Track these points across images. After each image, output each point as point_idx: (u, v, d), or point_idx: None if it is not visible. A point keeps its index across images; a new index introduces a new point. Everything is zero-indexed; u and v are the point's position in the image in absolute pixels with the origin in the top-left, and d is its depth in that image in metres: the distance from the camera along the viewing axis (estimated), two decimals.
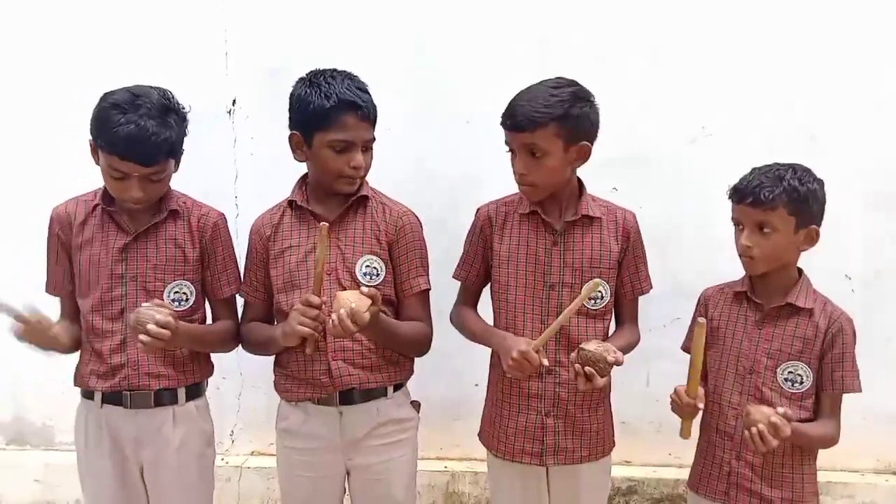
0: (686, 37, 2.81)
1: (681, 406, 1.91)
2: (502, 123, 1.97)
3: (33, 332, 1.92)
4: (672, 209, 2.82)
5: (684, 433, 1.94)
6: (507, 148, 2.00)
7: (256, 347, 2.14)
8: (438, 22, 2.88)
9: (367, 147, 2.01)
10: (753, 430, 1.79)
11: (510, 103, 1.97)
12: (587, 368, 1.86)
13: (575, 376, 1.90)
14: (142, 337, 1.85)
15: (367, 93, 2.01)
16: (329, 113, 1.95)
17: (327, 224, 1.88)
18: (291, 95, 2.03)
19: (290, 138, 2.03)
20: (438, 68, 2.88)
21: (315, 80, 1.99)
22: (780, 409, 1.81)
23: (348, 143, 1.97)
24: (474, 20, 2.86)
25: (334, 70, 2.02)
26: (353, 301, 1.82)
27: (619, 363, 1.90)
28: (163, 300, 2.00)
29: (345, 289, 1.95)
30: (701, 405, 1.90)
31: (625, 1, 2.82)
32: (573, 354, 1.91)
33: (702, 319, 1.86)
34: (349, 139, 1.97)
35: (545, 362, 1.90)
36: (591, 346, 1.89)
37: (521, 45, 2.81)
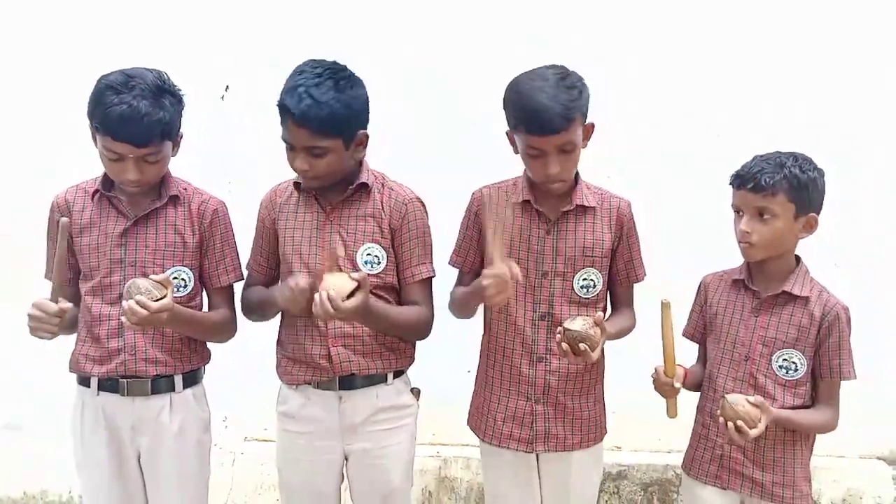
0: (686, 37, 2.83)
1: (659, 385, 1.94)
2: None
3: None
4: (668, 204, 2.84)
5: (670, 412, 1.96)
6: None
7: (256, 308, 2.14)
8: (439, 21, 2.87)
9: (313, 153, 1.93)
10: (730, 424, 1.82)
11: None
12: (581, 345, 1.86)
13: (565, 355, 1.89)
14: (124, 304, 1.84)
15: (324, 101, 1.88)
16: (279, 111, 1.96)
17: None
18: None
19: None
20: (438, 68, 2.87)
21: (293, 73, 1.97)
22: (752, 399, 1.82)
23: (290, 145, 1.97)
24: (474, 20, 2.86)
25: (314, 71, 1.94)
26: (335, 286, 1.82)
27: (605, 331, 1.91)
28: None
29: None
30: (678, 385, 1.92)
31: (625, 1, 2.83)
32: (558, 336, 1.89)
33: (666, 300, 1.86)
34: (289, 141, 1.97)
35: (516, 269, 1.86)
36: (577, 324, 1.88)
37: (521, 45, 2.81)
